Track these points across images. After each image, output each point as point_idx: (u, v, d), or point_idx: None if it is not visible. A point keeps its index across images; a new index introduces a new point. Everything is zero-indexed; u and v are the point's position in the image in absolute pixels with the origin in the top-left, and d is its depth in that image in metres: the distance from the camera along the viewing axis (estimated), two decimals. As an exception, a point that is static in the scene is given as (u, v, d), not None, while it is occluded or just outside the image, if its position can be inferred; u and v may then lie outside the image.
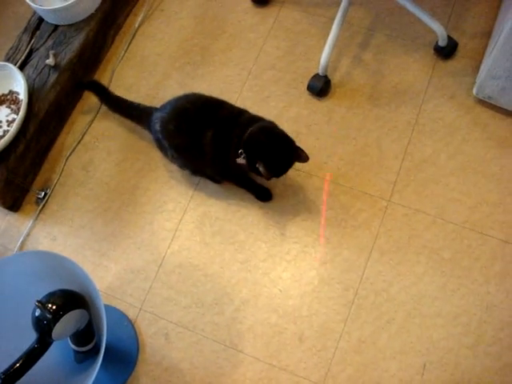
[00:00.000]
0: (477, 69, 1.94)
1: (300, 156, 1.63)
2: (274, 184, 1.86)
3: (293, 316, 1.72)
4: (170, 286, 1.80)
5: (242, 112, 1.73)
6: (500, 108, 1.90)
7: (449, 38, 1.97)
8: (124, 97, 1.97)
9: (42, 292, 1.34)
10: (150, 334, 1.75)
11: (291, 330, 1.71)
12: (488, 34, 2.01)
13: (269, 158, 1.59)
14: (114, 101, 1.98)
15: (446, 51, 2.00)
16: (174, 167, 1.93)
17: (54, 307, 1.30)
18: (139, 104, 1.92)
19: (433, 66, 2.01)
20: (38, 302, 1.29)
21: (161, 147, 1.82)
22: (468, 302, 1.69)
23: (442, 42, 1.97)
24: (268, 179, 1.64)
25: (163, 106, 1.78)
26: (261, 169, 1.59)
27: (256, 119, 1.70)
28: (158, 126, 1.74)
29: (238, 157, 1.63)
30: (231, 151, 1.65)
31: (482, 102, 1.93)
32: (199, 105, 1.73)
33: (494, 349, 1.64)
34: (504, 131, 1.89)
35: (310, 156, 1.63)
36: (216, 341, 1.72)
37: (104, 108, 2.07)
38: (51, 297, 1.33)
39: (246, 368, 1.68)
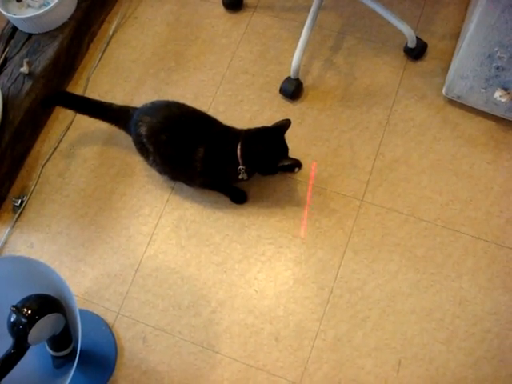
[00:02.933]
0: (446, 69, 1.97)
1: (282, 127, 1.73)
2: (249, 186, 1.88)
3: (269, 316, 1.74)
4: (147, 289, 1.81)
5: (228, 128, 1.78)
6: (469, 107, 1.93)
7: (418, 39, 2.00)
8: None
9: (17, 297, 1.35)
10: (128, 337, 1.76)
11: (267, 329, 1.72)
12: (456, 36, 2.05)
13: (275, 155, 1.70)
14: (85, 104, 1.94)
15: (416, 52, 2.03)
16: (150, 172, 1.94)
17: (30, 311, 1.31)
18: (112, 104, 1.90)
19: (403, 67, 2.05)
20: (14, 306, 1.30)
21: (142, 150, 1.80)
22: (441, 298, 1.72)
23: (412, 44, 2.00)
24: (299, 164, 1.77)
25: (148, 109, 1.77)
26: (286, 164, 1.70)
27: (240, 132, 1.74)
28: (143, 131, 1.73)
29: (238, 174, 1.70)
30: (226, 167, 1.72)
31: (451, 102, 1.96)
32: (193, 119, 1.76)
33: (468, 343, 1.66)
34: (473, 130, 1.92)
35: None
36: (193, 343, 1.73)
37: (79, 115, 2.07)
38: (26, 301, 1.34)
39: (224, 369, 1.69)
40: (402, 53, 2.06)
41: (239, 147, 1.66)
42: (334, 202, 1.85)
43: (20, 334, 1.31)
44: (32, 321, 1.30)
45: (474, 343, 1.66)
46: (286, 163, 1.70)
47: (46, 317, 1.33)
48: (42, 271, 1.41)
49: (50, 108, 2.10)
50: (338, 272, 1.77)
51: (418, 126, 1.94)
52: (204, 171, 1.73)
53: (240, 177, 1.71)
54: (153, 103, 1.79)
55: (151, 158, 1.79)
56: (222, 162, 1.71)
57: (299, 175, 1.89)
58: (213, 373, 1.69)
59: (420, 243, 1.78)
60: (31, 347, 1.35)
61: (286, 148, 1.72)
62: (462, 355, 1.65)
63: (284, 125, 1.72)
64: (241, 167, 1.68)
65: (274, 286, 1.77)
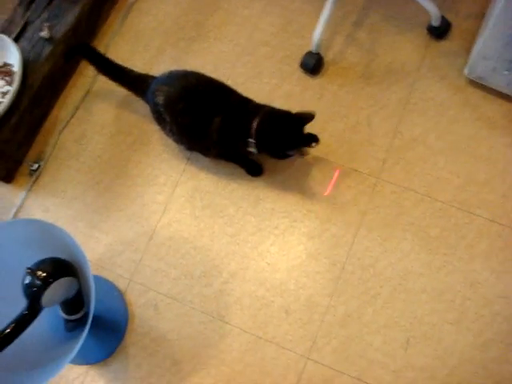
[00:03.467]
0: (469, 50, 1.94)
1: (306, 119, 1.69)
2: (265, 159, 1.87)
3: (280, 289, 1.75)
4: (159, 257, 1.82)
5: (248, 100, 1.77)
6: (490, 89, 1.91)
7: (442, 18, 1.97)
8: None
9: (32, 260, 1.36)
10: (139, 304, 1.78)
11: (278, 302, 1.73)
12: (481, 16, 2.01)
13: (287, 142, 1.68)
14: (106, 64, 1.93)
15: (440, 31, 2.00)
16: (167, 141, 1.94)
17: (44, 274, 1.32)
18: (132, 70, 1.90)
19: (426, 45, 2.02)
20: (29, 268, 1.31)
21: (159, 119, 1.80)
22: (453, 279, 1.72)
23: (436, 22, 1.97)
24: (304, 153, 1.74)
25: (166, 78, 1.77)
26: (291, 153, 1.70)
27: (260, 107, 1.74)
28: (161, 100, 1.73)
29: (247, 145, 1.69)
30: (239, 138, 1.70)
31: (473, 83, 1.94)
32: (211, 88, 1.75)
33: (476, 325, 1.67)
34: (494, 112, 1.90)
35: None
36: (204, 312, 1.74)
37: (98, 82, 2.08)
38: (41, 264, 1.35)
39: (233, 339, 1.71)
40: (425, 31, 2.03)
41: (256, 122, 1.66)
42: (349, 178, 1.85)
43: (34, 296, 1.32)
44: (46, 283, 1.32)
45: (483, 325, 1.67)
46: (292, 154, 1.71)
47: (60, 280, 1.35)
48: (57, 235, 1.42)
49: (73, 59, 2.05)
50: (350, 248, 1.77)
51: (437, 106, 1.92)
52: (219, 141, 1.73)
53: (249, 149, 1.71)
54: (170, 72, 1.79)
55: (168, 128, 1.79)
56: (236, 130, 1.70)
57: (316, 150, 1.88)
58: (222, 343, 1.71)
59: (434, 224, 1.78)
60: (44, 309, 1.37)
61: (301, 139, 1.71)
62: (470, 336, 1.66)
63: (307, 117, 1.69)
64: (251, 140, 1.68)
65: (287, 259, 1.78)
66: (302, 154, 1.85)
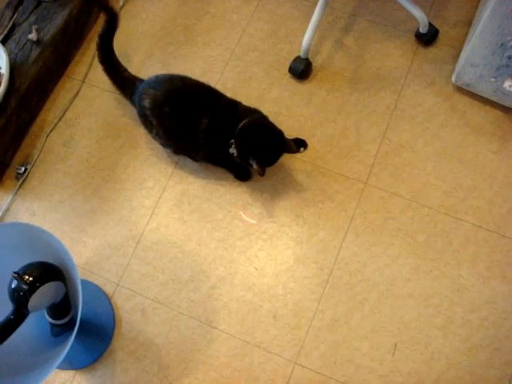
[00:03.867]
0: (456, 56, 1.96)
1: (290, 148, 1.69)
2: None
3: (268, 294, 1.75)
4: (147, 262, 1.81)
5: (237, 103, 1.76)
6: (478, 96, 1.92)
7: (430, 25, 1.99)
8: (106, 77, 1.95)
9: (18, 264, 1.35)
10: (126, 309, 1.77)
11: (266, 307, 1.73)
12: (469, 23, 2.04)
13: (259, 153, 1.65)
14: (109, 53, 1.92)
15: (427, 38, 2.02)
16: (155, 145, 1.94)
17: (31, 278, 1.31)
18: (126, 70, 1.91)
19: (413, 52, 2.04)
20: (15, 273, 1.30)
21: (146, 123, 1.81)
22: (440, 284, 1.73)
23: (423, 29, 1.99)
24: (261, 174, 1.68)
25: (153, 82, 1.77)
26: (254, 165, 1.65)
27: (250, 111, 1.74)
28: (147, 103, 1.73)
29: (229, 146, 1.67)
30: (224, 140, 1.69)
31: (460, 90, 1.96)
32: (197, 91, 1.75)
33: (464, 330, 1.68)
34: (481, 118, 1.92)
35: (289, 137, 1.67)
36: (191, 317, 1.74)
37: (86, 85, 2.07)
38: (28, 268, 1.34)
39: (221, 344, 1.70)
40: (413, 38, 2.05)
41: (241, 124, 1.66)
42: (337, 183, 1.85)
43: (20, 301, 1.31)
44: (33, 288, 1.31)
45: (470, 330, 1.68)
46: (255, 167, 1.66)
47: (46, 284, 1.34)
48: (44, 239, 1.41)
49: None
50: (338, 253, 1.77)
51: (425, 112, 1.94)
52: (206, 142, 1.72)
53: (230, 151, 1.69)
54: (157, 76, 1.79)
55: (154, 131, 1.79)
56: (223, 132, 1.69)
57: (304, 155, 1.88)
58: (209, 347, 1.70)
59: (421, 229, 1.79)
60: (30, 314, 1.36)
61: (272, 160, 1.69)
62: (457, 341, 1.67)
63: (292, 149, 1.70)
64: (232, 141, 1.67)
65: (275, 264, 1.78)
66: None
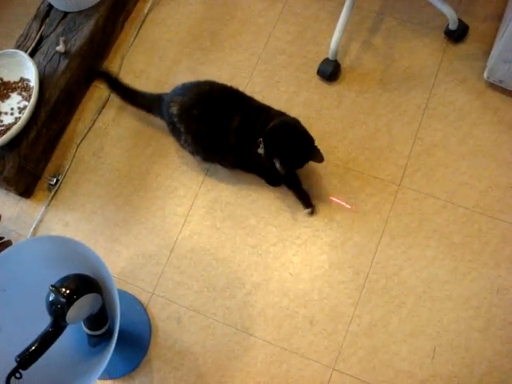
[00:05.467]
0: (488, 52, 1.92)
1: (316, 156, 1.66)
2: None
3: (304, 300, 1.73)
4: (181, 270, 1.81)
5: (268, 107, 1.76)
6: (511, 92, 1.89)
7: (459, 21, 1.95)
8: (134, 84, 1.99)
9: (55, 277, 1.35)
10: (162, 318, 1.77)
11: (302, 313, 1.72)
12: (499, 17, 2.00)
13: (285, 155, 1.64)
14: (123, 90, 1.99)
15: (457, 35, 1.99)
16: (185, 153, 1.93)
17: (68, 291, 1.31)
18: (145, 93, 1.94)
19: (443, 49, 2.00)
20: (52, 286, 1.30)
21: (174, 131, 1.81)
22: (478, 286, 1.69)
23: (453, 26, 1.96)
24: (283, 174, 1.66)
25: (179, 89, 1.78)
26: (277, 164, 1.63)
27: (282, 115, 1.73)
28: (175, 110, 1.74)
29: (258, 146, 1.66)
30: (254, 141, 1.68)
31: (492, 86, 1.92)
32: (226, 94, 1.75)
33: (504, 332, 1.64)
34: (515, 115, 1.88)
35: (320, 140, 1.65)
36: (227, 324, 1.73)
37: (113, 95, 2.08)
38: (65, 281, 1.35)
39: (258, 351, 1.70)
40: (443, 35, 2.02)
41: (271, 125, 1.65)
42: (370, 186, 1.83)
43: (58, 314, 1.32)
44: (70, 300, 1.31)
45: (511, 332, 1.64)
46: (277, 166, 1.65)
47: (84, 297, 1.34)
48: (79, 251, 1.41)
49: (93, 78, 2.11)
50: (374, 257, 1.75)
51: (457, 111, 1.91)
52: (235, 145, 1.71)
53: (259, 150, 1.67)
54: (183, 84, 1.80)
55: (183, 138, 1.79)
56: (252, 133, 1.68)
57: (336, 158, 1.87)
58: (246, 355, 1.70)
59: (458, 230, 1.76)
60: (68, 326, 1.36)
61: (296, 161, 1.68)
62: (498, 344, 1.63)
63: (318, 157, 1.66)
64: (261, 139, 1.65)
65: (310, 269, 1.76)
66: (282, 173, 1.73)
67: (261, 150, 1.66)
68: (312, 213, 1.82)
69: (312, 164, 1.72)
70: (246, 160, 1.82)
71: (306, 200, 1.82)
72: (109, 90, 2.03)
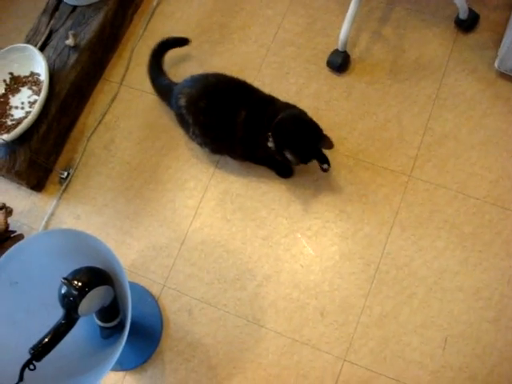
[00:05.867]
0: (499, 42, 1.91)
1: (326, 143, 1.66)
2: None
3: (314, 291, 1.73)
4: (192, 262, 1.82)
5: (274, 99, 1.76)
6: (522, 81, 1.88)
7: (470, 10, 1.94)
8: (144, 77, 2.00)
9: (67, 269, 1.36)
10: (173, 310, 1.78)
11: (313, 304, 1.72)
12: (510, 6, 1.98)
13: (296, 146, 1.64)
14: (156, 63, 1.98)
15: (467, 24, 1.97)
16: (195, 146, 1.93)
17: (80, 284, 1.32)
18: (165, 78, 1.95)
19: (453, 39, 1.99)
20: (64, 278, 1.31)
21: (182, 122, 1.82)
22: (489, 277, 1.69)
23: (463, 15, 1.94)
24: (296, 165, 1.66)
25: (187, 81, 1.79)
26: (288, 156, 1.63)
27: (289, 106, 1.73)
28: (183, 102, 1.75)
29: (267, 139, 1.66)
30: (261, 134, 1.68)
31: (503, 76, 1.90)
32: (232, 86, 1.76)
33: (516, 323, 1.64)
34: (526, 105, 1.87)
35: (330, 131, 1.65)
36: (239, 316, 1.74)
37: (124, 87, 2.08)
38: (77, 274, 1.35)
39: (269, 342, 1.70)
40: (453, 24, 2.00)
41: (279, 118, 1.65)
42: (381, 177, 1.83)
43: (71, 306, 1.32)
44: (82, 293, 1.32)
45: (523, 323, 1.64)
46: (289, 157, 1.65)
47: (95, 289, 1.34)
48: (91, 244, 1.42)
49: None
50: (384, 248, 1.75)
51: (468, 101, 1.89)
52: (243, 137, 1.72)
53: (269, 144, 1.67)
54: (192, 76, 1.81)
55: (191, 130, 1.80)
56: (260, 125, 1.68)
57: (346, 150, 1.87)
58: (258, 346, 1.70)
59: (468, 220, 1.75)
60: (80, 318, 1.37)
61: (312, 150, 1.69)
62: (509, 335, 1.63)
63: (328, 143, 1.66)
64: (270, 133, 1.65)
65: (320, 261, 1.76)
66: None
67: (271, 144, 1.66)
68: (327, 169, 1.80)
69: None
70: (255, 152, 1.82)
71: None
72: (152, 53, 1.99)
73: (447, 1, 1.93)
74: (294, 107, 1.73)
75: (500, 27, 1.96)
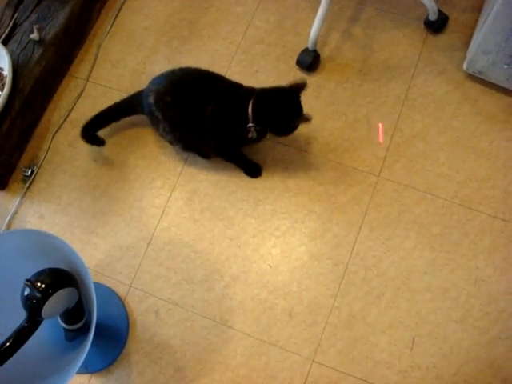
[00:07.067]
0: (467, 43, 1.92)
1: (300, 87, 1.65)
2: (263, 159, 1.86)
3: (283, 292, 1.72)
4: (159, 262, 1.79)
5: (239, 85, 1.73)
6: (490, 83, 1.89)
7: (439, 12, 1.95)
8: (111, 73, 1.98)
9: (30, 271, 1.33)
10: (140, 311, 1.75)
11: (281, 305, 1.71)
12: (478, 9, 2.00)
13: (287, 114, 1.64)
14: (104, 120, 1.89)
15: (437, 25, 1.98)
16: (163, 143, 1.91)
17: (44, 286, 1.29)
18: (122, 99, 1.88)
19: (423, 40, 2.00)
20: (27, 280, 1.28)
21: (153, 120, 1.78)
22: (457, 277, 1.70)
23: (433, 16, 1.95)
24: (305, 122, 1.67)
25: (154, 80, 1.76)
26: (300, 122, 1.65)
27: (253, 90, 1.70)
28: (151, 99, 1.71)
29: (247, 132, 1.64)
30: (235, 124, 1.66)
31: (472, 77, 1.92)
32: (197, 78, 1.73)
33: (482, 323, 1.66)
34: (493, 106, 1.88)
35: (299, 131, 1.68)
36: (206, 317, 1.72)
37: (90, 84, 2.04)
38: (40, 275, 1.32)
39: (237, 344, 1.69)
40: (422, 26, 2.01)
41: (251, 105, 1.62)
42: (350, 177, 1.83)
43: (34, 308, 1.30)
44: (46, 295, 1.29)
45: (489, 323, 1.65)
46: (300, 122, 1.66)
47: (60, 291, 1.32)
48: (55, 245, 1.39)
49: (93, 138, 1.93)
50: (353, 248, 1.75)
51: (436, 102, 1.90)
52: (214, 130, 1.69)
53: (249, 135, 1.66)
54: (161, 74, 1.77)
55: (161, 127, 1.76)
56: (232, 119, 1.67)
57: (315, 149, 1.86)
58: (226, 347, 1.69)
59: (436, 221, 1.76)
60: (44, 320, 1.34)
61: (300, 108, 1.67)
62: (476, 334, 1.65)
63: (300, 86, 1.65)
64: (251, 125, 1.63)
65: (289, 261, 1.76)
66: (307, 120, 1.71)
67: (252, 134, 1.65)
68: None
69: (291, 154, 1.70)
70: (225, 146, 1.80)
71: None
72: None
73: (417, 2, 1.94)
74: (254, 89, 1.71)
75: (469, 29, 1.98)
